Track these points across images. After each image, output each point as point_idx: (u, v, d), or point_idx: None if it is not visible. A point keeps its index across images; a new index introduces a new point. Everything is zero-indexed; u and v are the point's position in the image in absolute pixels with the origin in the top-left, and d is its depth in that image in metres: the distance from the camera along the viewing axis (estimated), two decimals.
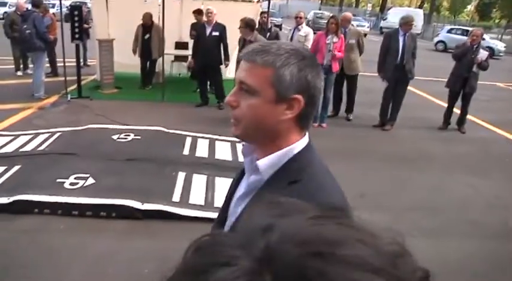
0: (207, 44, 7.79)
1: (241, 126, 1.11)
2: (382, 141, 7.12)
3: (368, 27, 33.33)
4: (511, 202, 5.22)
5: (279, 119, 1.07)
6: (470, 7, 64.99)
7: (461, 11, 64.57)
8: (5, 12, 14.93)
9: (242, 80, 1.08)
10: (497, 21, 55.18)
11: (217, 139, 6.31)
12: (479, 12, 60.85)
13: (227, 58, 8.06)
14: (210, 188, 4.75)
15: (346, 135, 7.10)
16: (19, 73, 10.45)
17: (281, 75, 1.04)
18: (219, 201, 4.35)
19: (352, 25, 8.07)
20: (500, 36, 31.15)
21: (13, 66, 10.58)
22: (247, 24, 6.94)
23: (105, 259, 3.53)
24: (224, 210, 1.30)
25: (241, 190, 1.22)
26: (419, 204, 4.90)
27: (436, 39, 27.98)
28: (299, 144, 1.11)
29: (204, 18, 8.20)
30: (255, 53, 1.06)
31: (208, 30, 7.85)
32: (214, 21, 7.85)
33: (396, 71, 7.33)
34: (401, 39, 7.27)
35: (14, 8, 11.07)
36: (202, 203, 4.41)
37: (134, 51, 9.19)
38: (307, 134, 1.15)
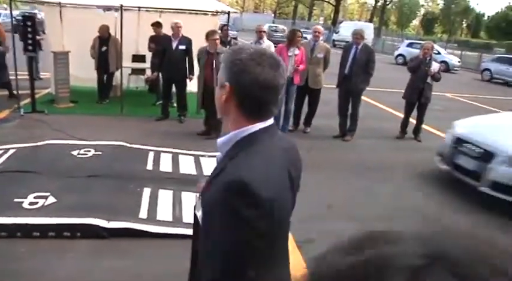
0: (174, 57, 7.71)
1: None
2: (343, 151, 7.25)
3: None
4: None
5: (221, 101, 1.31)
6: (416, 22, 68.21)
7: (408, 25, 67.60)
8: None
9: None
10: (439, 35, 58.13)
11: (180, 153, 6.20)
12: (423, 27, 63.90)
13: (192, 72, 7.97)
14: (177, 203, 4.64)
15: (309, 147, 7.14)
16: None
17: (221, 67, 1.31)
18: (187, 216, 4.26)
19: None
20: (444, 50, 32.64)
21: None
22: (219, 36, 6.92)
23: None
24: None
25: None
26: (385, 213, 4.99)
27: (396, 53, 28.87)
28: (249, 129, 1.30)
29: (164, 31, 8.11)
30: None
31: (174, 44, 7.77)
32: (180, 35, 7.78)
33: (345, 82, 7.53)
34: (352, 51, 7.47)
35: None
36: (171, 219, 4.30)
37: (93, 56, 8.89)
38: (262, 123, 1.31)
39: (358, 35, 7.47)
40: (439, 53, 24.20)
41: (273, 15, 65.06)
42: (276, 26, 35.93)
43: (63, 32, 9.43)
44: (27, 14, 9.23)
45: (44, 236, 3.87)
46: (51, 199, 4.44)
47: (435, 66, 7.73)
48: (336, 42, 33.26)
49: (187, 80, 8.03)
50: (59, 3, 9.60)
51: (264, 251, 1.20)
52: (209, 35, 6.82)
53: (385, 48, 36.55)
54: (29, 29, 7.63)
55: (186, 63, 7.84)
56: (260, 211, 1.16)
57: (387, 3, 54.61)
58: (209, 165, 5.84)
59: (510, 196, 5.15)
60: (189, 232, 3.87)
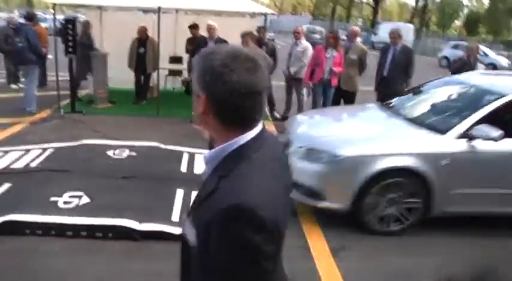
0: None
1: None
2: None
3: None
4: None
5: (199, 112, 1.18)
6: (458, 22, 66.15)
7: (450, 25, 65.66)
8: None
9: None
10: (483, 36, 56.20)
11: None
12: (466, 27, 61.93)
13: None
14: None
15: None
16: (13, 86, 10.27)
17: (193, 74, 1.18)
18: None
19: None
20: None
21: (4, 79, 10.42)
22: (252, 37, 6.83)
23: None
24: None
25: None
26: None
27: (440, 55, 28.09)
28: (236, 141, 1.17)
29: (201, 32, 8.12)
30: None
31: (210, 45, 7.74)
32: (216, 37, 7.78)
33: (383, 85, 7.29)
34: (390, 52, 7.23)
35: (5, 22, 10.95)
36: None
37: (130, 66, 9.04)
38: (250, 132, 1.18)
39: (395, 35, 7.22)
40: (486, 55, 23.31)
41: (310, 16, 64.67)
42: (313, 28, 35.63)
43: (102, 35, 9.62)
44: (69, 17, 9.45)
45: (77, 236, 3.90)
46: (85, 199, 4.48)
47: (481, 68, 7.41)
48: (375, 44, 32.64)
49: None
50: (100, 7, 9.84)
51: (271, 271, 1.13)
52: (241, 36, 6.79)
53: (426, 50, 35.60)
54: (69, 32, 7.80)
55: None
56: (267, 234, 1.07)
57: (428, 3, 53.33)
58: None
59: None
60: None
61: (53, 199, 4.43)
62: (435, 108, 5.21)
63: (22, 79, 9.35)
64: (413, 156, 4.23)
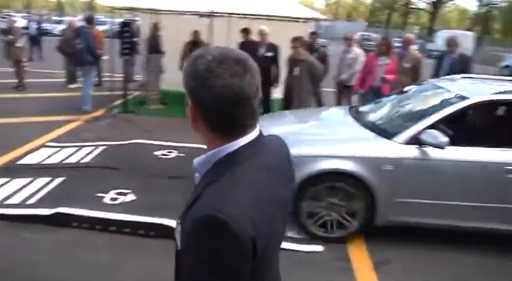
0: (259, 64, 7.67)
1: None
2: None
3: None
4: None
5: (190, 117, 1.14)
6: None
7: None
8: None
9: None
10: None
11: None
12: None
13: (276, 80, 7.94)
14: None
15: None
16: (72, 86, 10.80)
17: (182, 82, 1.12)
18: (291, 230, 4.18)
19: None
20: None
21: (64, 79, 10.96)
22: (302, 43, 6.81)
23: (141, 279, 3.41)
24: None
25: None
26: None
27: (502, 64, 26.92)
28: (227, 148, 1.11)
29: (252, 37, 8.17)
30: None
31: (261, 50, 7.82)
32: (267, 41, 7.81)
33: None
34: (446, 61, 6.96)
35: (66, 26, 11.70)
36: None
37: (181, 68, 9.24)
38: (241, 139, 1.12)
39: (451, 42, 6.96)
40: None
41: (365, 23, 63.71)
42: (368, 35, 35.09)
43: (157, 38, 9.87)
44: (126, 20, 9.80)
45: (120, 232, 4.01)
46: (131, 197, 4.60)
47: None
48: (431, 52, 31.66)
49: (273, 87, 8.03)
50: (155, 11, 10.12)
51: None
52: (291, 42, 6.78)
53: (487, 59, 34.10)
54: (125, 34, 8.08)
55: (272, 70, 7.83)
56: (241, 252, 0.99)
57: (491, 9, 51.12)
58: None
59: None
60: (296, 247, 3.90)
61: (100, 194, 4.59)
62: (397, 114, 4.89)
63: (79, 79, 9.81)
64: (353, 160, 3.97)
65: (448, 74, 6.86)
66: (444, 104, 4.38)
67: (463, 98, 4.28)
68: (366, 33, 37.85)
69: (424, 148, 3.98)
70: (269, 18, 9.63)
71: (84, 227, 4.06)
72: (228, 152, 1.11)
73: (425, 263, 3.96)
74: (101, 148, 6.18)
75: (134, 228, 4.01)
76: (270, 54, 7.76)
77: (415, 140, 4.01)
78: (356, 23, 66.05)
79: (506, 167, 3.97)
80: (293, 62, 6.88)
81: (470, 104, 4.24)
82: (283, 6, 9.22)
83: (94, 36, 8.63)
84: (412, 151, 4.00)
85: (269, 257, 1.16)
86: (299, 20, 9.91)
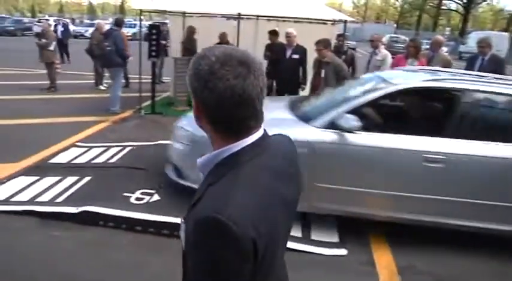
0: (287, 66, 7.74)
1: None
2: None
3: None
4: None
5: (195, 116, 1.14)
6: None
7: None
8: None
9: None
10: None
11: None
12: None
13: (304, 81, 7.92)
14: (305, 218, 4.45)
15: None
16: (101, 87, 11.06)
17: (187, 82, 1.12)
18: (315, 233, 4.19)
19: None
20: None
21: (93, 81, 11.22)
22: (326, 45, 6.76)
23: (164, 279, 3.44)
24: None
25: None
26: None
27: None
28: (230, 148, 1.11)
29: (280, 39, 8.16)
30: None
31: (288, 53, 7.80)
32: (294, 44, 7.78)
33: None
34: (477, 63, 6.76)
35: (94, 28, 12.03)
36: (299, 234, 4.13)
37: None
38: (245, 140, 1.12)
39: (483, 44, 6.75)
40: None
41: (395, 25, 62.86)
42: (397, 37, 34.57)
43: None
44: (155, 23, 9.95)
45: (145, 231, 4.07)
46: (156, 197, 4.66)
47: None
48: (463, 54, 30.94)
49: (300, 90, 8.00)
50: (183, 13, 10.24)
51: None
52: (315, 44, 6.74)
53: None
54: (153, 37, 8.19)
55: (300, 72, 7.80)
56: (241, 254, 0.99)
57: None
58: None
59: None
60: (319, 250, 3.87)
61: (126, 194, 4.67)
62: (326, 101, 4.76)
63: (107, 81, 10.02)
64: None
65: None
66: (370, 90, 4.33)
67: (390, 85, 4.23)
68: (394, 35, 37.30)
69: (342, 133, 3.92)
70: (296, 20, 9.61)
71: (109, 226, 4.13)
72: (231, 153, 1.11)
73: (452, 270, 3.86)
74: (128, 149, 6.28)
75: (159, 228, 4.05)
76: (296, 56, 7.72)
77: (331, 125, 3.96)
78: (385, 25, 65.31)
79: (424, 155, 3.85)
80: (319, 64, 6.85)
81: (393, 91, 4.19)
82: (310, 8, 9.17)
83: (123, 39, 8.79)
84: (328, 135, 3.96)
85: (272, 258, 1.15)
86: (327, 22, 9.85)
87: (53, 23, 19.11)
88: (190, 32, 9.29)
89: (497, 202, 3.88)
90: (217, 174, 1.10)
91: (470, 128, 4.03)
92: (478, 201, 3.89)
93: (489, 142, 3.91)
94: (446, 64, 7.09)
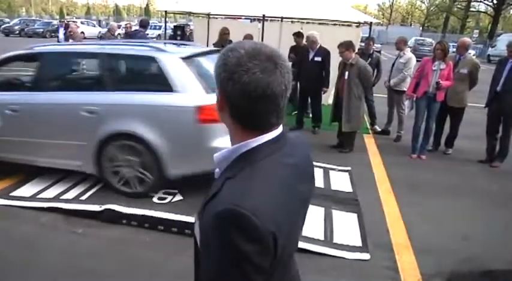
0: (309, 68, 7.72)
1: None
2: (488, 178, 6.39)
3: (474, 55, 31.30)
4: None
5: (217, 111, 1.16)
6: None
7: None
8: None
9: None
10: None
11: (332, 169, 6.04)
12: None
13: (326, 85, 7.88)
14: (327, 221, 4.47)
15: (448, 169, 6.51)
16: None
17: (214, 73, 1.13)
18: (338, 236, 4.15)
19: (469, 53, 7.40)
20: None
21: None
22: (348, 47, 6.69)
23: (186, 278, 3.43)
24: None
25: None
26: None
27: None
28: (249, 143, 1.12)
29: (305, 42, 8.12)
30: None
31: (310, 55, 7.77)
32: (317, 46, 7.74)
33: (496, 101, 6.64)
34: (507, 66, 6.56)
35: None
36: (322, 237, 4.11)
37: None
38: (265, 135, 1.12)
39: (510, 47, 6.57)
40: None
41: (420, 28, 61.98)
42: (423, 40, 34.06)
43: (208, 41, 10.04)
44: (179, 24, 10.04)
45: (168, 231, 4.08)
46: (178, 197, 4.67)
47: None
48: (492, 58, 30.26)
49: (322, 92, 7.95)
50: (208, 15, 10.30)
51: None
52: (338, 46, 6.69)
53: None
54: (178, 38, 8.28)
55: (323, 75, 7.75)
56: (261, 246, 0.98)
57: None
58: (338, 179, 5.65)
59: None
60: (342, 254, 3.85)
61: (149, 193, 4.68)
62: None
63: None
64: None
65: (507, 81, 6.51)
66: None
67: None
68: (420, 38, 36.75)
69: None
70: (321, 22, 9.57)
71: (132, 224, 4.16)
72: (250, 148, 1.12)
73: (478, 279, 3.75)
74: None
75: (181, 227, 4.05)
76: (319, 59, 7.67)
77: None
78: (410, 27, 64.45)
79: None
80: (343, 66, 6.79)
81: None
82: (335, 10, 9.11)
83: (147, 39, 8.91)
84: None
85: (289, 256, 1.15)
86: (352, 24, 9.78)
87: (56, 25, 19.27)
88: (223, 33, 9.23)
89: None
90: (235, 168, 1.10)
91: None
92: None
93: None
94: (474, 67, 6.93)
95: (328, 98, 8.96)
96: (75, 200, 4.57)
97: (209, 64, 4.73)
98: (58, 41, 14.58)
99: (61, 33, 15.46)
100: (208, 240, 1.03)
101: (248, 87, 1.05)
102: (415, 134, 6.98)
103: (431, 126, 6.87)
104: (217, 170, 1.20)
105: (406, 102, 7.28)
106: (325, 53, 7.72)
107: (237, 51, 1.08)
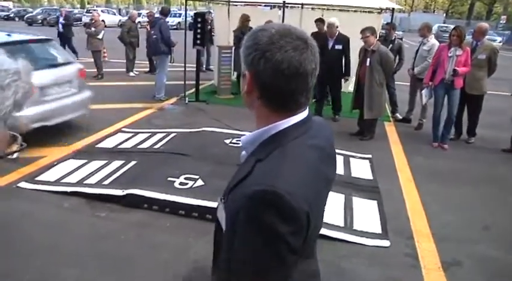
0: (329, 57, 7.41)
1: None
2: (511, 168, 6.29)
3: (500, 41, 30.51)
4: None
5: (244, 93, 1.15)
6: None
7: None
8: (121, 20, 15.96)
9: None
10: None
11: (352, 156, 6.01)
12: None
13: (347, 73, 7.79)
14: (348, 208, 4.46)
15: (470, 159, 6.41)
16: (132, 74, 11.37)
17: (241, 55, 1.13)
18: (358, 223, 4.15)
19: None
20: None
21: (144, 69, 11.54)
22: (373, 32, 6.59)
23: (206, 262, 3.47)
24: None
25: None
26: None
27: None
28: (277, 125, 1.12)
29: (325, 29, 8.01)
30: None
31: (330, 43, 7.63)
32: (336, 34, 7.61)
33: None
34: None
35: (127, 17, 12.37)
36: (342, 224, 4.12)
37: None
38: (293, 117, 1.13)
39: None
40: None
41: (444, 14, 60.54)
42: (446, 26, 33.29)
43: (230, 28, 10.02)
44: (200, 12, 10.04)
45: (188, 216, 4.13)
46: (200, 182, 4.71)
47: None
48: None
49: (343, 81, 7.87)
50: (228, 2, 10.26)
51: (292, 265, 1.04)
52: (360, 33, 6.58)
53: None
54: (198, 25, 8.26)
55: (343, 63, 7.66)
56: (295, 226, 0.99)
57: None
58: (359, 167, 5.63)
59: None
60: (362, 240, 3.87)
61: (170, 179, 4.74)
62: None
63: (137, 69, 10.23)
64: None
65: None
66: None
67: None
68: (444, 25, 35.95)
69: None
70: (342, 9, 9.44)
71: (154, 209, 4.23)
72: (279, 130, 1.12)
73: (499, 268, 3.70)
74: (172, 135, 6.39)
75: (202, 212, 4.10)
76: (340, 46, 7.56)
77: None
78: (433, 14, 63.03)
79: None
80: (365, 52, 6.71)
81: None
82: None
83: (168, 27, 8.92)
84: None
85: (315, 237, 1.17)
86: (373, 11, 9.62)
87: (54, 14, 17.76)
88: (245, 20, 9.15)
89: None
90: (265, 151, 1.10)
91: None
92: None
93: None
94: (492, 52, 6.75)
95: (348, 85, 8.88)
96: (98, 184, 4.66)
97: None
98: (57, 30, 13.73)
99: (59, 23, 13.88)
100: (238, 222, 1.02)
101: (281, 65, 1.04)
102: (435, 123, 6.85)
103: (453, 114, 6.67)
104: (243, 153, 1.22)
105: (424, 91, 7.00)
106: (345, 41, 7.61)
107: (267, 31, 1.08)
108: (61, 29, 13.58)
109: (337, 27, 7.60)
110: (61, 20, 13.85)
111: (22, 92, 0.64)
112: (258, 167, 1.06)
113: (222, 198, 1.18)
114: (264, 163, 1.06)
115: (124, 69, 11.70)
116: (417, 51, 7.93)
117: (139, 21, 14.51)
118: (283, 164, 1.05)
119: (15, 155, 0.56)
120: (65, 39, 13.41)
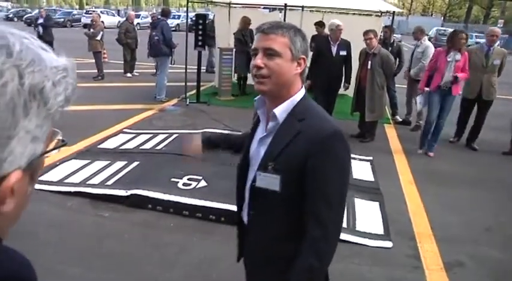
0: (335, 64, 7.01)
1: (270, 82, 1.46)
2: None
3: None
4: None
5: (292, 74, 1.48)
6: None
7: None
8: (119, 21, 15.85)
9: (268, 46, 1.45)
10: None
11: (353, 158, 5.99)
12: None
13: (348, 80, 7.29)
14: (350, 209, 4.48)
15: (471, 160, 6.45)
16: (128, 75, 11.39)
17: (294, 42, 1.47)
18: (361, 224, 4.18)
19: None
20: None
21: (145, 70, 11.53)
22: (375, 35, 6.61)
23: (209, 263, 3.51)
24: (245, 156, 1.71)
25: (259, 135, 1.61)
26: None
27: None
28: (300, 93, 1.53)
29: (326, 31, 7.93)
30: (274, 27, 1.46)
31: (334, 49, 7.00)
32: (339, 38, 6.99)
33: None
34: None
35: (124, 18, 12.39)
36: (344, 225, 4.06)
37: None
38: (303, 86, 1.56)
39: None
40: None
41: (442, 18, 60.75)
42: (444, 30, 33.38)
43: (230, 31, 10.05)
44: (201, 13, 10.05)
45: (192, 216, 4.15)
46: (203, 183, 4.74)
47: None
48: None
49: (343, 89, 7.45)
50: (229, 4, 10.29)
51: None
52: (364, 35, 6.58)
53: None
54: (200, 27, 8.28)
55: (343, 70, 7.20)
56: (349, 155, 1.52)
57: None
58: (360, 168, 5.66)
59: None
60: (364, 241, 3.91)
61: (173, 179, 4.77)
62: None
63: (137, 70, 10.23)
64: None
65: None
66: None
67: None
68: (442, 28, 36.06)
69: None
70: (342, 11, 9.49)
71: (157, 209, 4.25)
72: (303, 96, 1.53)
73: (503, 271, 3.73)
74: (174, 136, 6.41)
75: (205, 213, 4.12)
76: (344, 53, 7.06)
77: None
78: (431, 17, 63.26)
79: None
80: (366, 55, 6.73)
81: None
82: None
83: (170, 28, 8.94)
84: None
85: None
86: (372, 13, 9.67)
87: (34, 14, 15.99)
88: (245, 22, 9.13)
89: None
90: (300, 112, 1.49)
91: None
92: None
93: None
94: (504, 57, 6.76)
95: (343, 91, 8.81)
96: (101, 185, 4.67)
97: None
98: (37, 32, 12.12)
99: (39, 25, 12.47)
100: (310, 167, 1.41)
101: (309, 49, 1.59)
102: (425, 130, 6.57)
103: (443, 122, 6.41)
104: (270, 124, 1.53)
105: (418, 98, 6.71)
106: (347, 45, 7.10)
107: (300, 29, 1.53)
108: (41, 32, 12.13)
109: (341, 30, 6.99)
110: (40, 20, 12.54)
111: (71, 88, 0.67)
112: (306, 123, 1.46)
113: (263, 168, 1.50)
114: (309, 119, 1.46)
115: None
116: (412, 54, 8.01)
117: (138, 23, 14.47)
118: (323, 114, 1.51)
119: (54, 152, 0.57)
120: (45, 43, 12.74)
